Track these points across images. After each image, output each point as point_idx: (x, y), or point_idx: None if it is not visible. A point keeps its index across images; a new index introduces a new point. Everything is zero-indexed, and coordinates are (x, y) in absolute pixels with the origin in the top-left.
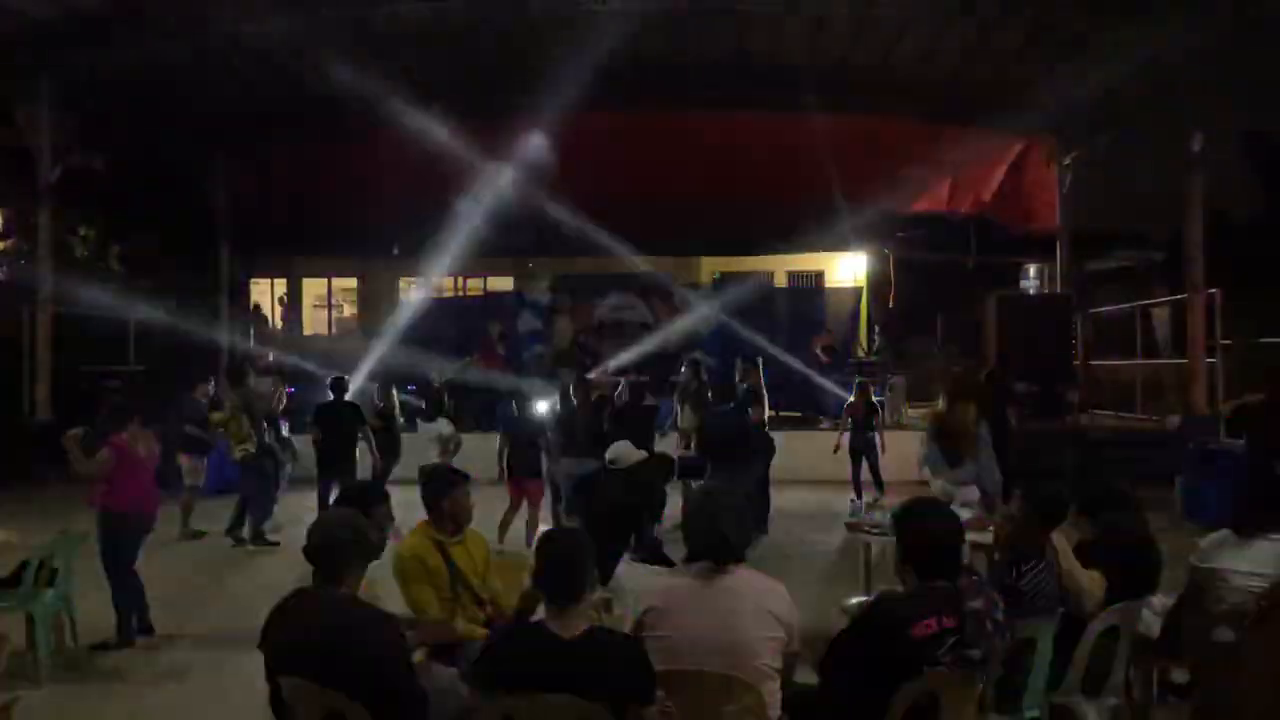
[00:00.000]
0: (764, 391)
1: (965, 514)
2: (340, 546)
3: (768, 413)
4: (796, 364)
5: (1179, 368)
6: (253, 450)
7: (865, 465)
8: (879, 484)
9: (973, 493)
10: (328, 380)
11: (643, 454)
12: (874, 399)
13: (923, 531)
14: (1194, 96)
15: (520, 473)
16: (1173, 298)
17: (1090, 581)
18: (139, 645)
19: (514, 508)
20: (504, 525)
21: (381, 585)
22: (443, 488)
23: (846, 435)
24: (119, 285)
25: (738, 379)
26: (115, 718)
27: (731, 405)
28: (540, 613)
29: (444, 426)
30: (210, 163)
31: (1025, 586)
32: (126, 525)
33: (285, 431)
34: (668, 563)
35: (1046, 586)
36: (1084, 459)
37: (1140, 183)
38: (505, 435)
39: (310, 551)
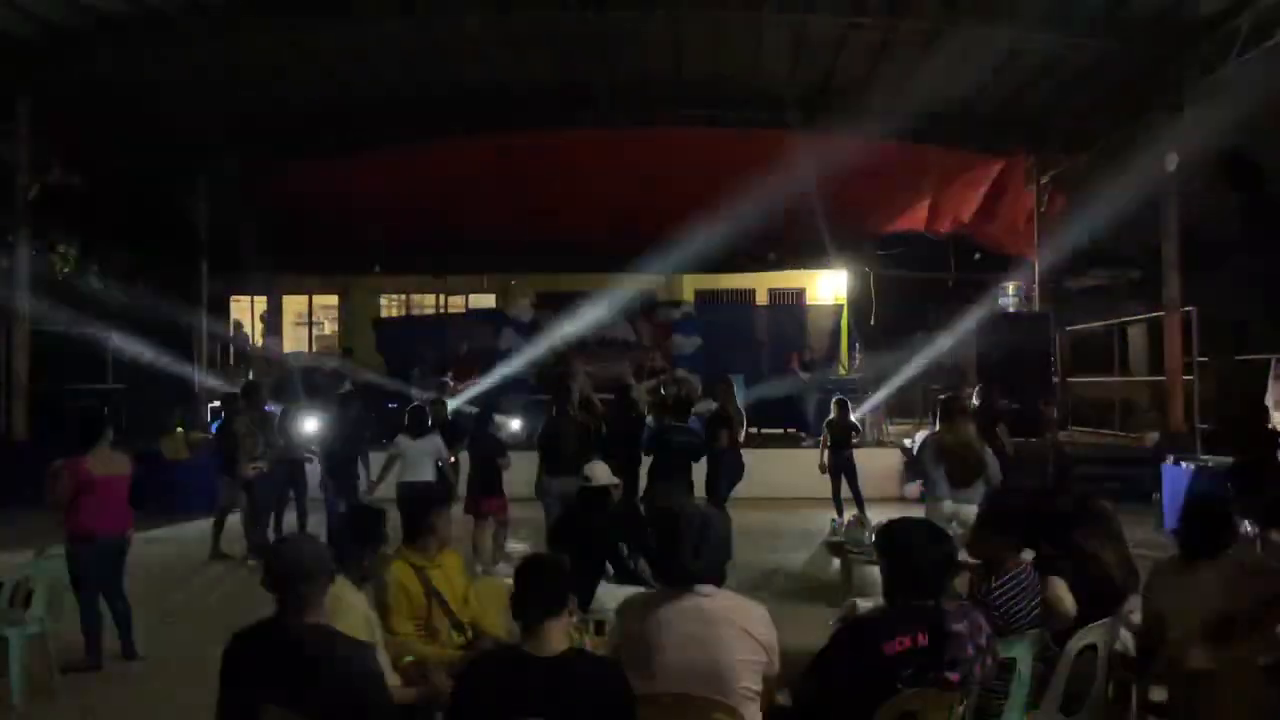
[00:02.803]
0: (739, 412)
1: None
2: (309, 573)
3: (745, 432)
4: (776, 381)
5: (1156, 385)
6: (264, 469)
7: (845, 483)
8: (860, 502)
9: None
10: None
11: (615, 480)
12: (852, 418)
13: (905, 552)
14: (1169, 115)
15: (477, 491)
16: (1149, 315)
17: (1063, 600)
18: (123, 669)
19: (479, 527)
20: (477, 547)
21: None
22: (430, 506)
23: (828, 453)
24: (98, 303)
25: (712, 398)
26: None
27: (691, 424)
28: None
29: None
30: (190, 180)
31: (997, 601)
32: (89, 547)
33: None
34: (646, 584)
35: (1022, 603)
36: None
37: (1117, 201)
38: (469, 453)
39: (274, 580)
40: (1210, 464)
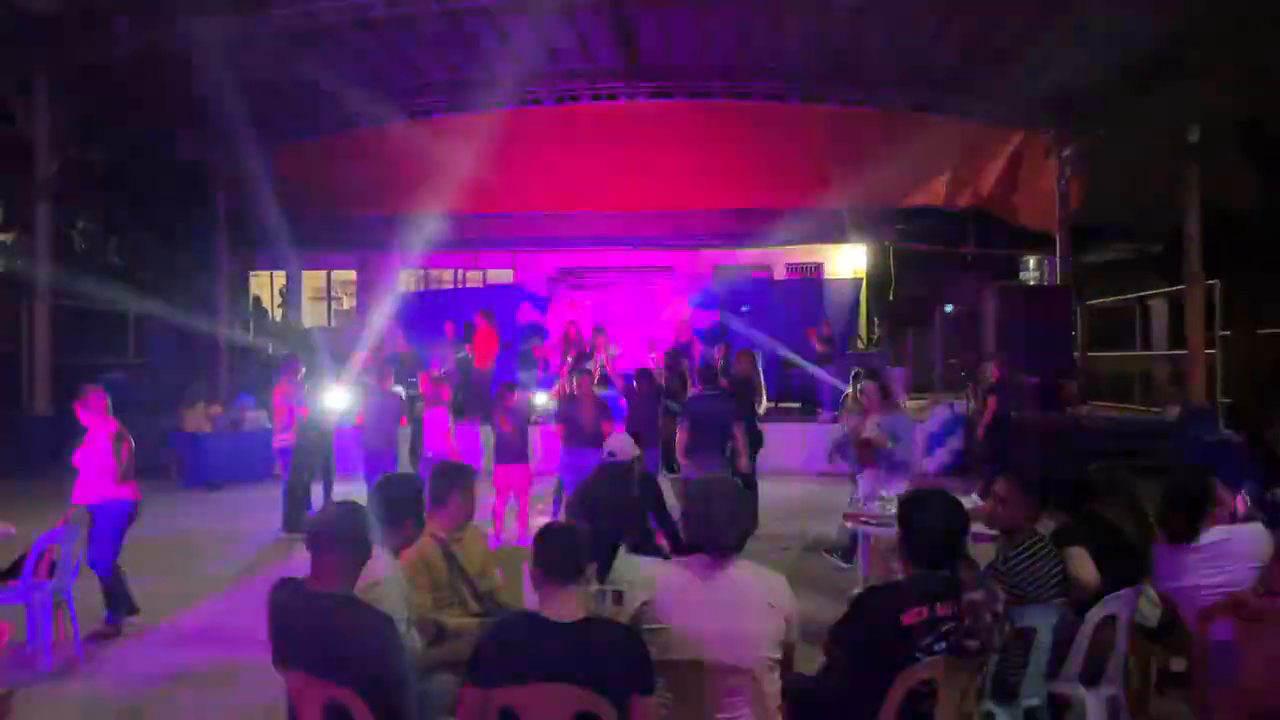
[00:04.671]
0: (760, 382)
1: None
2: (342, 542)
3: (765, 404)
4: (795, 355)
5: (1178, 359)
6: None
7: None
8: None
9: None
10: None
11: (637, 452)
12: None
13: (923, 521)
14: (1191, 86)
15: (504, 460)
16: (1171, 289)
17: (1085, 570)
18: (141, 635)
19: (502, 498)
20: (497, 516)
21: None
22: (456, 481)
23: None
24: (118, 278)
25: (730, 368)
26: (112, 710)
27: (716, 393)
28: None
29: None
30: (209, 155)
31: (1013, 569)
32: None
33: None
34: (662, 555)
35: (1040, 573)
36: (1083, 450)
37: (1138, 174)
38: (494, 424)
39: (308, 544)
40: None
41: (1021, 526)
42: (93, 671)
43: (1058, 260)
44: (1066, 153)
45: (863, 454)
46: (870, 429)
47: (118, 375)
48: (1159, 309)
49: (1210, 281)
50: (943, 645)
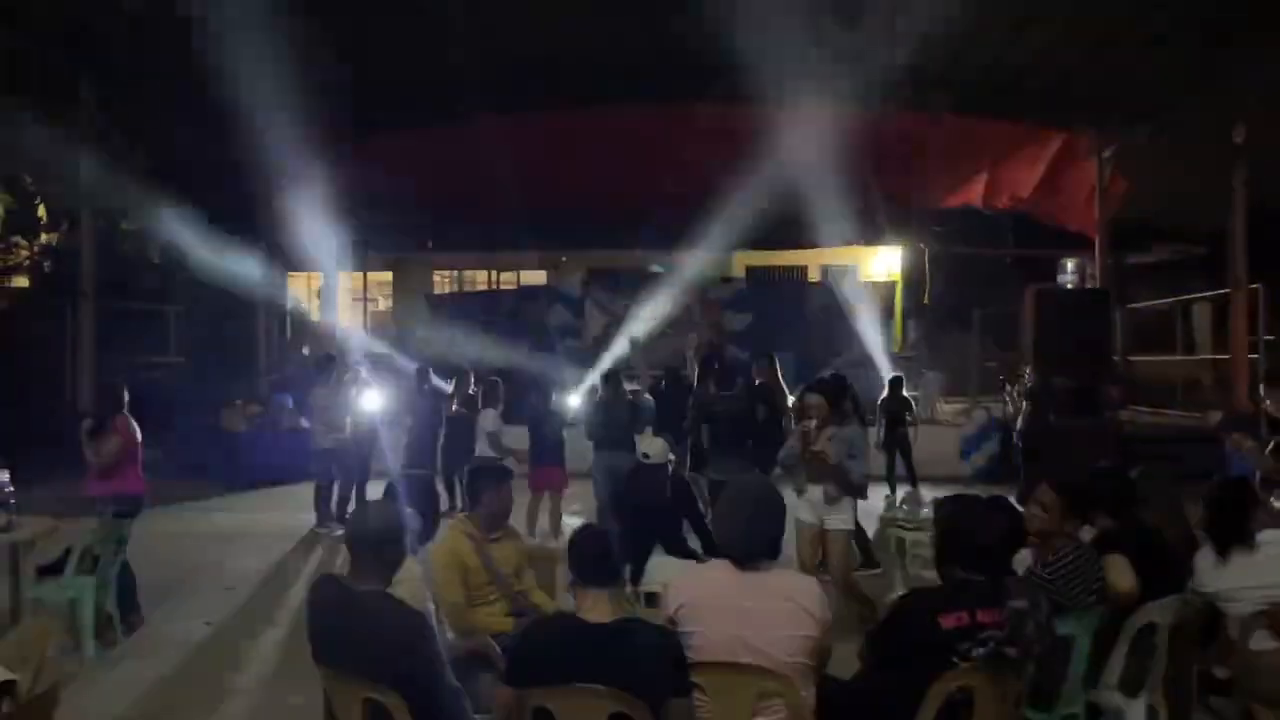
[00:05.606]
0: (782, 386)
1: None
2: (379, 541)
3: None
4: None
5: (1221, 364)
6: (344, 437)
7: (899, 461)
8: (913, 479)
9: None
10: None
11: (671, 457)
12: (907, 394)
13: (965, 527)
14: (1237, 85)
15: (542, 462)
16: (1215, 293)
17: (1125, 577)
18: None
19: (534, 499)
20: (531, 517)
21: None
22: (491, 483)
23: (883, 430)
24: (161, 279)
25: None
26: (157, 703)
27: (732, 393)
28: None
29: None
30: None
31: (1054, 577)
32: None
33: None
34: (697, 558)
35: (1080, 580)
36: (1125, 455)
37: (1181, 175)
38: (529, 426)
39: (347, 542)
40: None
41: (1061, 533)
42: (135, 664)
43: (1097, 262)
44: (1107, 153)
45: (813, 469)
46: (822, 441)
47: (159, 374)
48: (1202, 312)
49: (1254, 285)
50: (981, 651)
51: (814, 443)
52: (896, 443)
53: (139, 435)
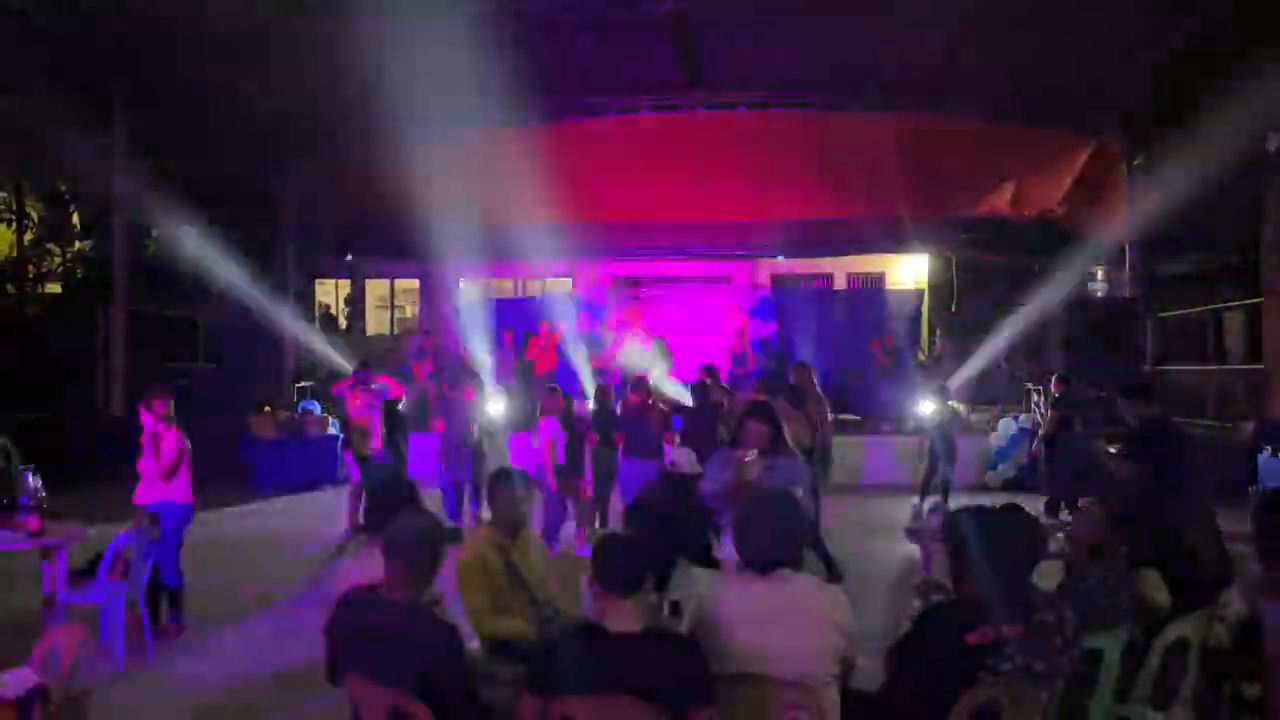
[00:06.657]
0: (818, 392)
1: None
2: (413, 552)
3: (829, 416)
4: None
5: (1253, 374)
6: (379, 447)
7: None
8: (946, 489)
9: None
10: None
11: (699, 470)
12: (951, 403)
13: (987, 540)
14: (1270, 91)
15: (566, 471)
16: (1247, 301)
17: (1157, 592)
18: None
19: (560, 505)
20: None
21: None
22: (504, 485)
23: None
24: (191, 286)
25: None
26: (189, 710)
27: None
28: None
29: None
30: (275, 165)
31: (1087, 591)
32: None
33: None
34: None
35: (1109, 595)
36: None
37: (1213, 183)
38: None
39: (384, 551)
40: None
41: (1102, 550)
42: (167, 671)
43: (1127, 271)
44: (1138, 161)
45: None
46: (756, 471)
47: (188, 380)
48: (1234, 321)
49: None
50: (1008, 666)
51: (748, 474)
52: (941, 453)
53: (188, 443)
